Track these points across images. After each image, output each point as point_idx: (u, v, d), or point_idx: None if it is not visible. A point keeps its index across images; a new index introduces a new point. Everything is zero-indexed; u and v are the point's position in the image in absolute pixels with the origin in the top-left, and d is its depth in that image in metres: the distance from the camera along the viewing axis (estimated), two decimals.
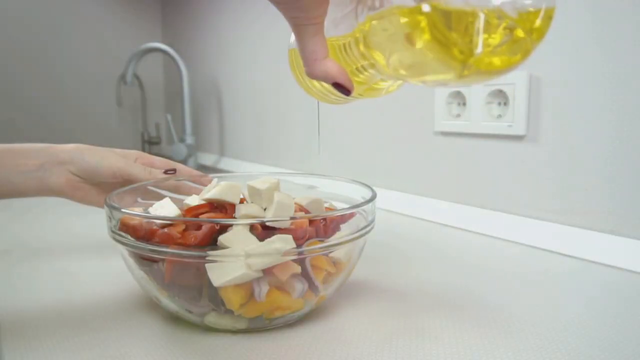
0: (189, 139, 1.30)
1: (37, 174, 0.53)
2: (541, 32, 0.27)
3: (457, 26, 0.26)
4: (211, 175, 0.54)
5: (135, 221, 0.37)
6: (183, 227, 0.37)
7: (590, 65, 0.56)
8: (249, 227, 0.36)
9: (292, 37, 0.34)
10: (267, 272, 0.36)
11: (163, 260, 0.37)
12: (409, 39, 0.27)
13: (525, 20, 0.27)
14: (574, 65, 0.57)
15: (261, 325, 0.38)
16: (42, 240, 0.66)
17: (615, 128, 0.54)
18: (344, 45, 0.33)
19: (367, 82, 0.35)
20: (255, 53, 1.16)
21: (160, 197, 0.50)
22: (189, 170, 0.58)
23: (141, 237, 0.37)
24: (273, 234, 0.35)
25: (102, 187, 0.56)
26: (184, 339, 0.37)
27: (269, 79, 1.12)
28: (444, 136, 0.74)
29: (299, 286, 0.37)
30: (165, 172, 0.56)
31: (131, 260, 0.39)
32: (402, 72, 0.30)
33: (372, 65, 0.32)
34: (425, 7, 0.26)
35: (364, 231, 0.40)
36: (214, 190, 0.40)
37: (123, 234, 0.38)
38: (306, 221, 0.37)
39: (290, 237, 0.35)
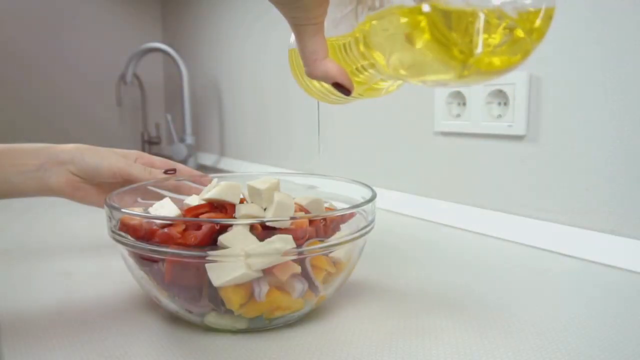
0: (189, 139, 1.30)
1: (37, 174, 0.53)
2: (541, 32, 0.27)
3: (457, 26, 0.26)
4: (211, 175, 0.54)
5: (135, 221, 0.37)
6: (183, 227, 0.37)
7: (590, 65, 0.56)
8: (249, 227, 0.36)
9: (292, 37, 0.34)
10: (267, 272, 0.36)
11: (163, 260, 0.37)
12: (409, 39, 0.27)
13: (525, 20, 0.27)
14: (574, 65, 0.57)
15: (261, 325, 0.38)
16: (42, 240, 0.66)
17: (615, 128, 0.54)
18: (344, 45, 0.33)
19: (367, 82, 0.35)
20: (255, 53, 1.16)
21: (160, 197, 0.50)
22: (189, 170, 0.58)
23: (141, 237, 0.37)
24: (273, 234, 0.35)
25: (102, 187, 0.56)
26: (184, 339, 0.37)
27: (269, 79, 1.12)
28: (444, 136, 0.74)
29: (299, 286, 0.37)
30: (165, 172, 0.56)
31: (131, 260, 0.39)
32: (402, 72, 0.30)
33: (372, 65, 0.32)
34: (425, 7, 0.26)
35: (364, 231, 0.40)
36: (214, 190, 0.40)
37: (123, 234, 0.38)
38: (306, 221, 0.37)
39: (290, 237, 0.35)
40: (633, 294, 0.46)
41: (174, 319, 0.41)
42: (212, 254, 0.35)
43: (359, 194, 0.46)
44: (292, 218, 0.37)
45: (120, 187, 0.49)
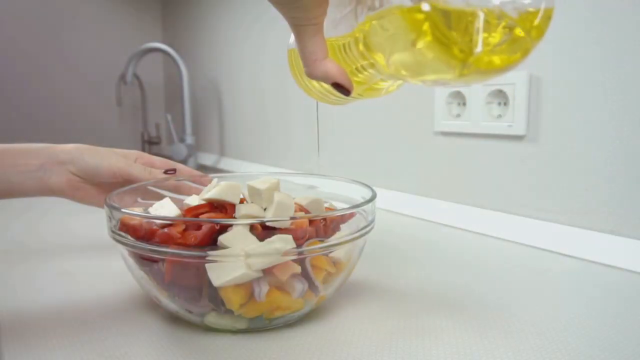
0: (189, 139, 1.30)
1: (37, 174, 0.53)
2: (541, 31, 0.27)
3: (457, 25, 0.26)
4: (211, 175, 0.54)
5: (135, 221, 0.37)
6: (183, 227, 0.37)
7: (590, 65, 0.56)
8: (249, 227, 0.36)
9: (292, 38, 0.34)
10: (267, 272, 0.36)
11: (163, 260, 0.37)
12: (409, 39, 0.27)
13: (524, 20, 0.27)
14: (574, 65, 0.57)
15: (261, 325, 0.38)
16: (42, 240, 0.66)
17: (615, 128, 0.54)
18: (344, 45, 0.33)
19: (366, 82, 0.35)
20: (255, 53, 1.16)
21: (160, 197, 0.50)
22: (189, 170, 0.58)
23: (141, 237, 0.37)
24: (273, 234, 0.35)
25: (102, 187, 0.56)
26: (184, 339, 0.37)
27: (269, 79, 1.12)
28: (444, 136, 0.74)
29: (299, 286, 0.37)
30: (165, 172, 0.56)
31: (131, 260, 0.39)
32: (402, 71, 0.30)
33: (372, 65, 0.32)
34: (425, 7, 0.26)
35: (364, 231, 0.40)
36: (214, 190, 0.40)
37: (123, 234, 0.38)
38: (306, 221, 0.37)
39: (290, 237, 0.35)
40: (633, 294, 0.46)
41: (174, 319, 0.41)
42: (212, 254, 0.35)
43: (359, 194, 0.46)
44: (292, 218, 0.37)
45: (120, 187, 0.49)
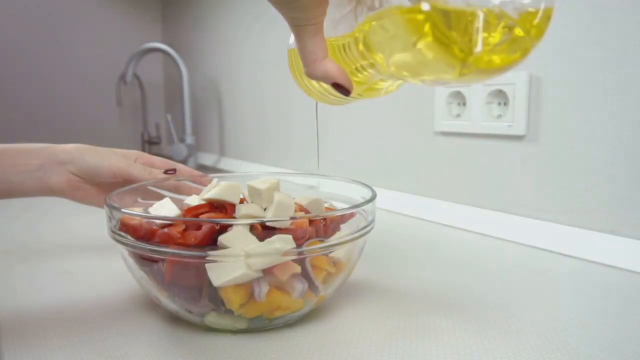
0: (189, 139, 1.30)
1: (37, 174, 0.53)
2: (540, 31, 0.27)
3: (457, 25, 0.26)
4: (211, 175, 0.54)
5: (135, 221, 0.37)
6: (183, 227, 0.37)
7: (590, 65, 0.56)
8: (249, 227, 0.36)
9: (292, 38, 0.34)
10: (267, 272, 0.36)
11: (163, 260, 0.37)
12: (409, 39, 0.27)
13: (524, 20, 0.27)
14: (574, 65, 0.57)
15: (261, 325, 0.38)
16: (42, 240, 0.66)
17: (615, 128, 0.54)
18: (344, 45, 0.33)
19: (366, 82, 0.35)
20: (255, 53, 1.16)
21: (160, 197, 0.50)
22: (189, 170, 0.58)
23: (141, 237, 0.37)
24: (273, 234, 0.35)
25: (102, 187, 0.56)
26: (184, 339, 0.37)
27: (269, 79, 1.12)
28: (444, 136, 0.74)
29: (299, 286, 0.37)
30: (165, 172, 0.56)
31: (131, 260, 0.39)
32: (402, 71, 0.30)
33: (372, 65, 0.32)
34: (425, 6, 0.26)
35: (364, 231, 0.40)
36: (214, 190, 0.40)
37: (123, 234, 0.38)
38: (306, 221, 0.37)
39: (290, 237, 0.35)
40: (633, 294, 0.46)
41: (174, 319, 0.41)
42: (212, 254, 0.35)
43: (359, 194, 0.46)
44: (292, 218, 0.37)
45: (120, 187, 0.49)
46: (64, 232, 0.69)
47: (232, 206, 0.40)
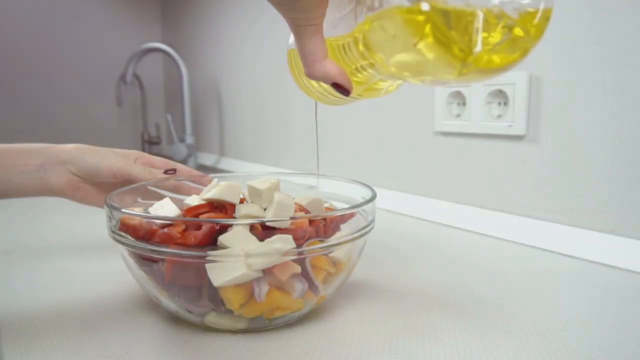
0: (189, 139, 1.30)
1: (37, 174, 0.53)
2: (539, 31, 0.27)
3: (457, 25, 0.26)
4: (211, 175, 0.54)
5: (135, 221, 0.37)
6: (183, 227, 0.37)
7: (590, 65, 0.56)
8: (249, 227, 0.36)
9: (291, 38, 0.34)
10: (267, 272, 0.36)
11: (163, 260, 0.37)
12: (410, 39, 0.27)
13: (523, 20, 0.27)
14: (574, 65, 0.57)
15: (261, 325, 0.38)
16: (42, 240, 0.66)
17: (615, 128, 0.54)
18: (343, 45, 0.33)
19: (366, 82, 0.35)
20: (255, 53, 1.16)
21: (160, 197, 0.50)
22: (189, 170, 0.58)
23: (141, 237, 0.37)
24: (273, 234, 0.35)
25: (102, 187, 0.56)
26: (184, 339, 0.37)
27: (269, 79, 1.12)
28: (444, 136, 0.74)
29: (299, 286, 0.37)
30: (165, 172, 0.56)
31: (131, 260, 0.39)
32: (402, 71, 0.30)
33: (372, 65, 0.32)
34: (425, 6, 0.26)
35: (364, 231, 0.40)
36: (214, 190, 0.40)
37: (123, 234, 0.38)
38: (306, 221, 0.37)
39: (290, 237, 0.35)
40: (633, 294, 0.46)
41: (174, 319, 0.41)
42: (212, 254, 0.35)
43: (359, 194, 0.46)
44: (292, 218, 0.37)
45: (120, 187, 0.49)
46: (64, 232, 0.69)
47: (232, 206, 0.40)
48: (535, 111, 0.62)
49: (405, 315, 0.41)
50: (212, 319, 0.38)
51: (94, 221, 0.65)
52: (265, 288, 0.36)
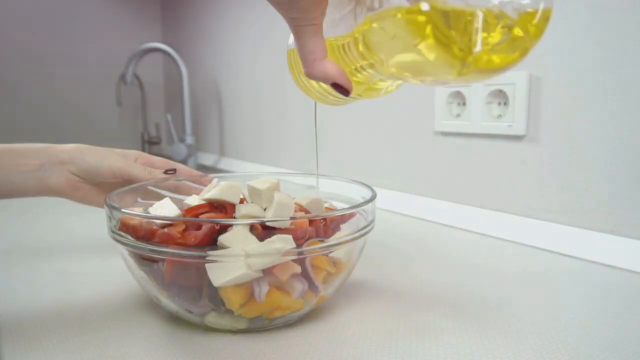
0: (189, 139, 1.30)
1: (37, 174, 0.53)
2: (539, 31, 0.27)
3: (456, 25, 0.26)
4: (211, 175, 0.54)
5: (135, 221, 0.37)
6: (183, 227, 0.37)
7: (590, 65, 0.56)
8: (249, 227, 0.36)
9: (291, 38, 0.34)
10: (267, 272, 0.36)
11: (163, 260, 0.37)
12: (410, 40, 0.27)
13: (523, 20, 0.27)
14: (574, 65, 0.57)
15: (261, 325, 0.38)
16: (42, 240, 0.66)
17: (615, 128, 0.54)
18: (343, 45, 0.33)
19: (366, 82, 0.35)
20: (255, 53, 1.16)
21: (160, 197, 0.50)
22: (189, 170, 0.58)
23: (141, 237, 0.37)
24: (273, 234, 0.35)
25: (102, 187, 0.56)
26: (184, 339, 0.37)
27: (269, 79, 1.12)
28: (444, 136, 0.74)
29: (299, 286, 0.37)
30: (165, 172, 0.56)
31: (131, 260, 0.39)
32: (402, 71, 0.30)
33: (371, 65, 0.32)
34: (425, 6, 0.26)
35: (364, 231, 0.40)
36: (214, 190, 0.40)
37: (123, 234, 0.38)
38: (306, 221, 0.37)
39: (290, 237, 0.35)
40: (633, 294, 0.46)
41: (174, 319, 0.41)
42: (212, 254, 0.35)
43: (359, 194, 0.46)
44: (292, 218, 0.37)
45: (120, 187, 0.49)
46: (64, 232, 0.69)
47: (232, 206, 0.40)
48: (535, 111, 0.62)
49: (405, 315, 0.41)
50: (212, 319, 0.38)
51: (94, 221, 0.65)
52: (265, 288, 0.36)
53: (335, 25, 0.33)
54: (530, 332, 0.38)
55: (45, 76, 1.45)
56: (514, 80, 0.62)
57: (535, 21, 0.27)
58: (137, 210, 0.40)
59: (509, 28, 0.27)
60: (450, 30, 0.26)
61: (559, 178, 0.60)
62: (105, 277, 0.50)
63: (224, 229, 0.36)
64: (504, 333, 0.38)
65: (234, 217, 0.40)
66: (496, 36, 0.26)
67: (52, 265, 0.55)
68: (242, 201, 0.42)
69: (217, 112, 1.35)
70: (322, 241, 0.38)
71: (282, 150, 1.10)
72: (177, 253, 0.35)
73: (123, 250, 0.39)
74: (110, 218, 0.39)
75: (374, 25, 0.30)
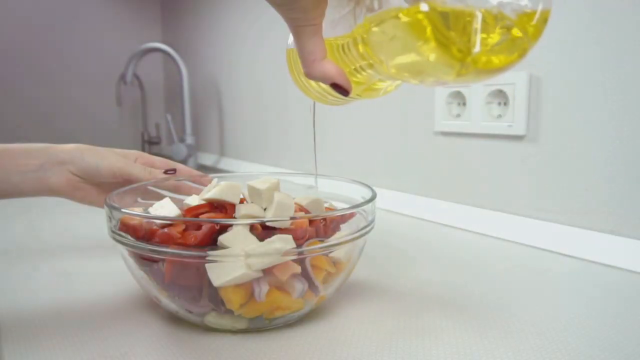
0: (189, 139, 1.30)
1: (37, 174, 0.53)
2: (538, 32, 0.27)
3: (455, 25, 0.26)
4: (211, 175, 0.54)
5: (135, 221, 0.37)
6: (183, 227, 0.37)
7: (590, 65, 0.56)
8: (249, 227, 0.36)
9: (291, 38, 0.34)
10: (267, 272, 0.36)
11: (163, 260, 0.37)
12: (410, 41, 0.28)
13: (522, 21, 0.27)
14: (574, 65, 0.57)
15: (261, 325, 0.38)
16: (42, 240, 0.66)
17: (615, 128, 0.54)
18: (343, 45, 0.33)
19: (365, 82, 0.35)
20: (255, 53, 1.16)
21: (160, 197, 0.50)
22: (189, 170, 0.58)
23: (141, 237, 0.37)
24: (273, 234, 0.35)
25: (102, 187, 0.56)
26: (184, 339, 0.37)
27: (269, 79, 1.12)
28: (444, 136, 0.74)
29: (299, 286, 0.37)
30: (165, 172, 0.56)
31: (131, 260, 0.39)
32: (401, 71, 0.30)
33: (371, 66, 0.32)
34: (424, 7, 0.26)
35: (364, 231, 0.40)
36: (214, 190, 0.40)
37: (123, 234, 0.38)
38: (306, 221, 0.37)
39: (290, 237, 0.35)
40: (633, 294, 0.46)
41: (174, 319, 0.41)
42: (212, 254, 0.35)
43: (359, 194, 0.46)
44: (292, 218, 0.37)
45: (120, 187, 0.49)
46: (64, 232, 0.69)
47: (232, 206, 0.40)
48: (535, 111, 0.62)
49: (405, 315, 0.41)
50: (212, 319, 0.38)
51: (94, 221, 0.65)
52: (265, 288, 0.36)
53: (334, 26, 0.33)
54: (530, 332, 0.38)
55: (45, 76, 1.45)
56: (514, 80, 0.62)
57: (534, 22, 0.27)
58: (137, 210, 0.40)
59: (508, 29, 0.27)
60: (449, 31, 0.26)
61: (559, 178, 0.60)
62: (105, 277, 0.50)
63: (224, 229, 0.36)
64: (504, 333, 0.38)
65: (234, 217, 0.40)
66: (495, 37, 0.26)
67: (52, 265, 0.55)
68: (242, 201, 0.42)
69: (217, 112, 1.35)
70: (322, 241, 0.38)
71: (282, 150, 1.10)
72: (177, 253, 0.35)
73: (123, 250, 0.39)
74: (110, 218, 0.39)
75: (373, 25, 0.30)
